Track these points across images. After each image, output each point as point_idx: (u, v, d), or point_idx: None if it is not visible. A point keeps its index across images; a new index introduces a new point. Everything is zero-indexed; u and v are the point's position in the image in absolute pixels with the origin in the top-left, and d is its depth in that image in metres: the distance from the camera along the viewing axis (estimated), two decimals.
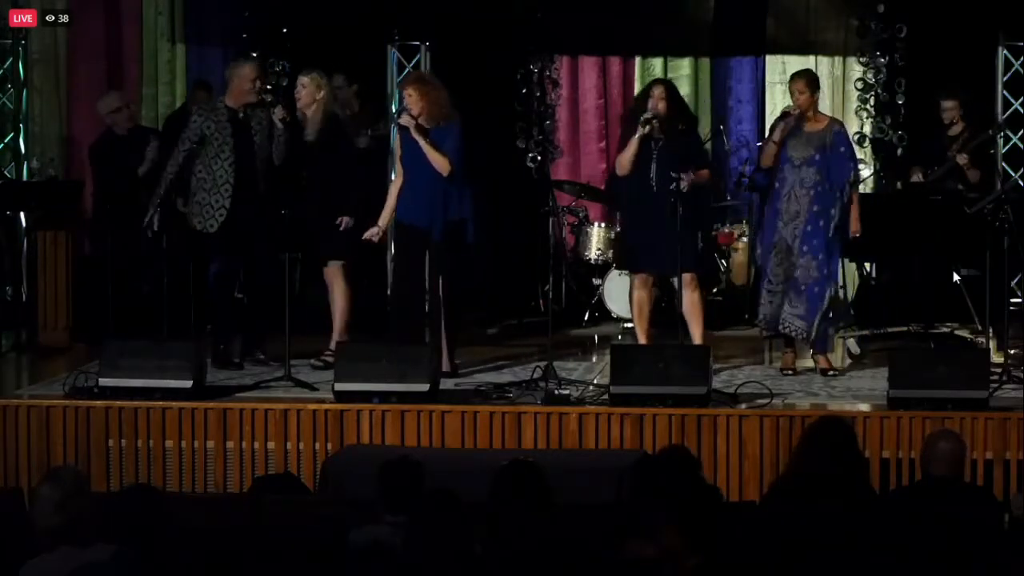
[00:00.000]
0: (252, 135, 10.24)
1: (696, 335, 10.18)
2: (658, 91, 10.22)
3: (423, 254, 10.16)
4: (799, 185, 10.09)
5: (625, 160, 10.18)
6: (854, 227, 10.16)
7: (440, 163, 10.01)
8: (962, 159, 11.24)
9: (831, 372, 10.16)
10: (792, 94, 10.19)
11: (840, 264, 10.43)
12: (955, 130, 11.50)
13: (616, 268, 10.56)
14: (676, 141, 10.10)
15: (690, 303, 10.19)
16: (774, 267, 10.15)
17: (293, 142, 10.32)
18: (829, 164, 10.08)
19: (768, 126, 12.91)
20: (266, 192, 10.23)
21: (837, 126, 10.33)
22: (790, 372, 10.20)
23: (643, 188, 10.10)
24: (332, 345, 10.43)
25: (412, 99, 10.08)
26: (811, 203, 10.07)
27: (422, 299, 10.19)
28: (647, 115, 10.07)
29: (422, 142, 10.01)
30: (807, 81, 10.21)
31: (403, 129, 10.09)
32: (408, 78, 10.51)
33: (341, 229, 10.33)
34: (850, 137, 10.59)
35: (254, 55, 11.39)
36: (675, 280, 10.21)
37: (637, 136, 10.07)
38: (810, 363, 10.47)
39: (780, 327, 10.19)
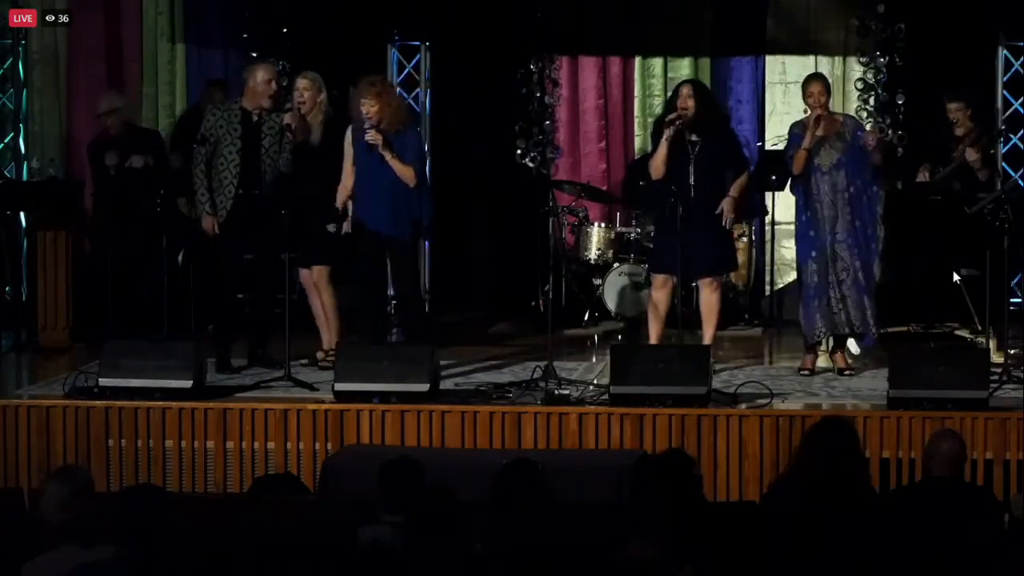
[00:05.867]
0: (261, 138, 10.23)
1: (708, 335, 10.18)
2: (686, 90, 10.14)
3: (384, 257, 10.14)
4: (832, 190, 10.06)
5: (657, 163, 10.11)
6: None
7: (406, 175, 9.97)
8: (972, 155, 11.22)
9: (847, 372, 10.16)
10: (811, 96, 10.06)
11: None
12: (961, 130, 11.50)
13: (650, 271, 10.53)
14: (713, 141, 10.05)
15: (709, 304, 10.20)
16: (830, 275, 10.09)
17: (299, 148, 10.30)
18: (854, 163, 10.07)
19: (767, 127, 13.00)
20: (270, 195, 10.20)
21: (851, 122, 10.33)
22: (807, 372, 10.19)
23: (682, 191, 9.97)
24: (325, 346, 10.44)
25: (370, 108, 9.93)
26: (847, 205, 10.06)
27: (387, 302, 10.18)
28: (672, 115, 10.05)
29: (388, 156, 9.93)
30: (824, 83, 10.19)
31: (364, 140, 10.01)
32: (364, 87, 10.09)
33: (340, 233, 10.29)
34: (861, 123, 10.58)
35: (268, 59, 11.36)
36: (695, 280, 10.24)
37: (665, 137, 10.03)
38: (823, 363, 10.47)
39: (838, 328, 10.15)
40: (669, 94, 11.08)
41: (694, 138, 10.03)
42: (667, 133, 10.02)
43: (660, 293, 10.27)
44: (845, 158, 10.08)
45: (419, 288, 10.33)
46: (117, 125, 11.91)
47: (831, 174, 10.09)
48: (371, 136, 9.91)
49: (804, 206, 10.19)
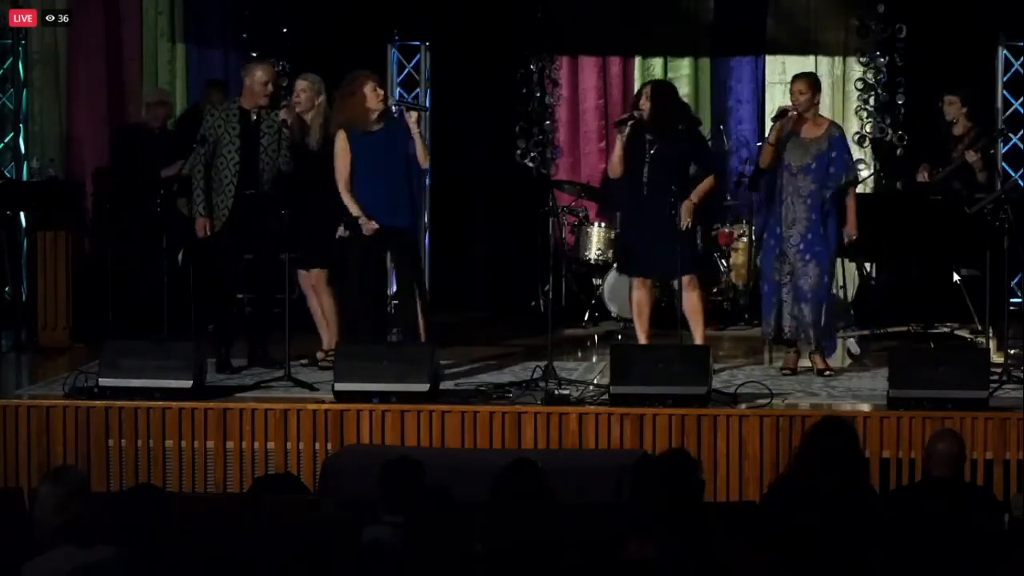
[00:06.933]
0: (260, 137, 10.22)
1: (697, 335, 10.20)
2: (645, 91, 10.25)
3: (384, 256, 10.14)
4: (796, 194, 10.07)
5: (613, 163, 10.21)
6: (851, 230, 10.14)
7: (425, 155, 10.06)
8: (971, 156, 11.22)
9: (827, 373, 10.16)
10: (792, 94, 10.18)
11: (840, 265, 10.40)
12: (959, 129, 11.49)
13: (617, 271, 10.58)
14: (672, 143, 10.08)
15: (690, 304, 10.21)
16: (779, 273, 10.12)
17: (296, 147, 10.30)
18: (826, 171, 10.06)
19: (767, 127, 12.98)
20: (270, 194, 10.19)
21: (836, 131, 10.28)
22: (789, 372, 10.20)
23: (636, 191, 10.11)
24: (325, 346, 10.44)
25: (382, 93, 10.09)
26: (809, 211, 10.06)
27: (386, 302, 10.21)
28: (622, 116, 10.14)
29: (417, 131, 10.03)
30: (809, 82, 10.20)
31: (389, 128, 10.05)
32: (365, 78, 10.18)
33: (339, 235, 10.31)
34: (847, 141, 10.56)
35: (268, 59, 11.34)
36: (675, 281, 10.23)
37: (618, 138, 10.12)
38: (809, 363, 10.48)
39: (785, 332, 10.17)
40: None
41: (649, 138, 10.07)
42: (620, 133, 10.09)
43: (639, 294, 10.31)
44: (815, 165, 10.07)
45: (424, 281, 10.33)
46: (161, 119, 11.96)
47: (797, 177, 10.08)
48: (414, 119, 10.00)
49: (768, 200, 10.21)
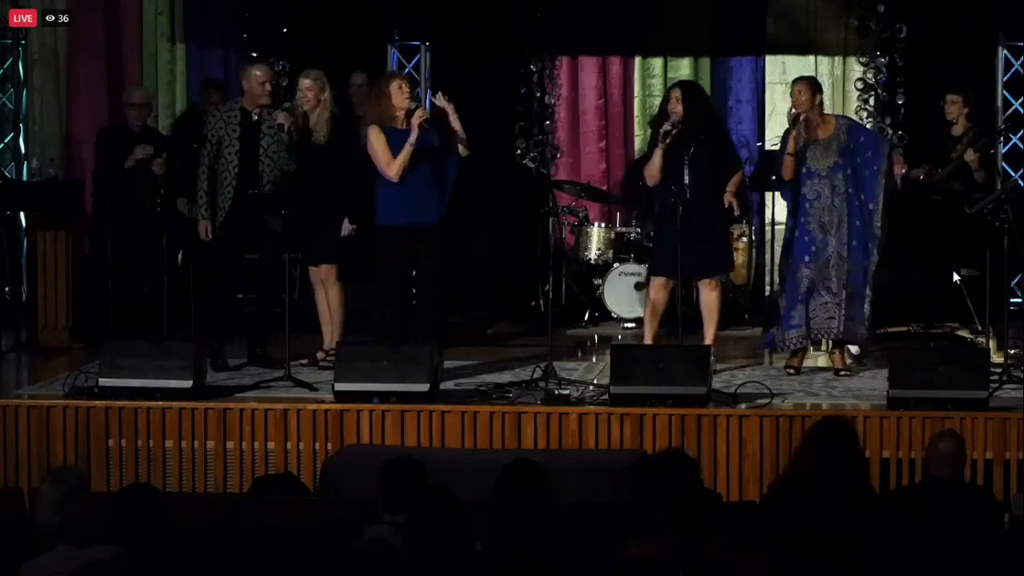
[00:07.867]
0: (260, 138, 10.23)
1: (709, 335, 10.21)
2: (674, 94, 10.24)
3: (415, 252, 10.16)
4: (833, 194, 10.05)
5: (653, 170, 10.19)
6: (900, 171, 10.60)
7: (465, 141, 10.07)
8: (970, 155, 11.22)
9: (843, 373, 10.15)
10: (792, 96, 10.17)
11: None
12: (958, 130, 11.49)
13: (651, 274, 10.57)
14: (705, 143, 10.11)
15: (709, 302, 10.26)
16: (830, 279, 10.06)
17: (301, 145, 10.29)
18: (854, 163, 10.06)
19: (767, 127, 13.00)
20: (273, 193, 10.20)
21: (844, 121, 10.32)
22: (793, 371, 10.18)
23: (677, 194, 10.05)
24: (325, 345, 10.44)
25: (408, 92, 10.12)
26: (848, 207, 10.04)
27: (411, 301, 10.23)
28: (666, 126, 10.11)
29: (460, 125, 10.04)
30: (808, 83, 10.20)
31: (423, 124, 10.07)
32: (397, 73, 10.42)
33: (344, 234, 10.33)
34: (860, 121, 10.60)
35: (268, 59, 11.34)
36: (705, 279, 10.31)
37: (660, 147, 10.11)
38: (811, 363, 10.47)
39: (836, 335, 10.12)
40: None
41: (690, 143, 10.07)
42: (663, 143, 10.08)
43: (660, 295, 10.30)
44: (843, 160, 10.07)
45: (440, 283, 10.34)
46: (143, 119, 11.94)
47: (831, 178, 10.07)
48: (451, 109, 10.03)
49: (796, 211, 10.16)
